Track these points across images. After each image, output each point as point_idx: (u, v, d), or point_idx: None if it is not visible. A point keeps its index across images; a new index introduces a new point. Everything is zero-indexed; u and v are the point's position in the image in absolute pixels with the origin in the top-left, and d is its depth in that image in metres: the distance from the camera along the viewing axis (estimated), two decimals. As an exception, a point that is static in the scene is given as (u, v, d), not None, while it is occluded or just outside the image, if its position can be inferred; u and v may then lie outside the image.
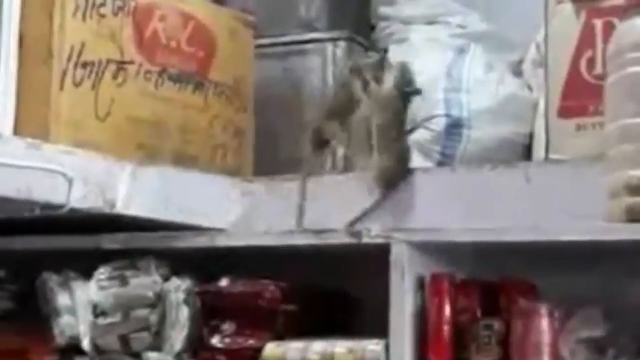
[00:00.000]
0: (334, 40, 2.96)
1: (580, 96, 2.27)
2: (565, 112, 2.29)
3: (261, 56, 2.86)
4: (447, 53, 2.97)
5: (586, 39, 2.29)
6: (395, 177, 2.30)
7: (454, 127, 2.86)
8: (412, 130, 2.69)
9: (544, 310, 2.04)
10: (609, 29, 2.24)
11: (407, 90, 2.33)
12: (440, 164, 2.82)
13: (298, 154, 2.93)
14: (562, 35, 2.32)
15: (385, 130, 2.29)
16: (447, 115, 2.86)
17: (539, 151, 2.76)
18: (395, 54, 3.02)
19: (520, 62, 3.00)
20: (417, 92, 2.36)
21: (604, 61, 2.17)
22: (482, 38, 3.02)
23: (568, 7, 2.30)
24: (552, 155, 2.30)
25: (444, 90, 2.90)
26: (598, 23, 2.27)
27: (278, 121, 2.95)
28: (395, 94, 2.30)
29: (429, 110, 2.89)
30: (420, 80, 2.85)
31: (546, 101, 2.32)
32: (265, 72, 2.89)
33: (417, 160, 2.75)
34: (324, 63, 2.96)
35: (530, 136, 2.87)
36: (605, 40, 2.22)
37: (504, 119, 2.88)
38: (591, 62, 2.28)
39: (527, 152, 2.88)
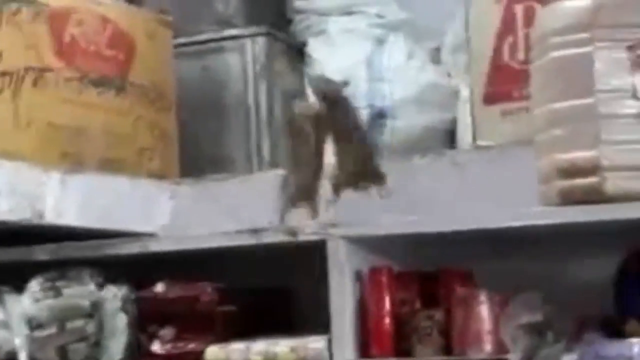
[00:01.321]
0: (252, 36, 2.94)
1: (504, 82, 2.30)
2: (490, 99, 2.31)
3: (179, 55, 2.83)
4: (366, 43, 2.97)
5: (507, 25, 2.31)
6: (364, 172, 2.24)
7: (378, 117, 2.87)
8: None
9: (483, 297, 2.06)
10: (529, 14, 2.26)
11: (332, 91, 2.29)
12: (365, 155, 2.81)
13: (220, 153, 2.92)
14: (483, 22, 2.34)
15: (339, 137, 2.23)
16: (370, 106, 2.86)
17: (463, 137, 2.78)
18: (314, 47, 3.02)
19: (438, 49, 3.01)
20: (345, 84, 2.33)
21: (527, 46, 2.19)
22: (401, 27, 3.03)
23: (488, -6, 2.32)
24: (479, 142, 2.31)
25: (365, 80, 2.90)
26: (519, 8, 2.29)
27: (199, 121, 2.92)
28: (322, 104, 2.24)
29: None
30: (340, 71, 2.87)
31: (470, 88, 2.34)
32: (184, 72, 2.86)
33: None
34: (244, 60, 2.94)
35: (453, 122, 2.89)
36: (527, 26, 2.25)
37: (426, 107, 2.89)
38: (513, 48, 2.31)
39: (450, 139, 2.89)
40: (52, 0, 2.42)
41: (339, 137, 2.17)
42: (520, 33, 2.25)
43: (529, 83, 2.06)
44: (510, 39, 2.27)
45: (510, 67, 2.27)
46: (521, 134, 2.19)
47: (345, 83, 2.30)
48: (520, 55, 2.25)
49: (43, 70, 2.38)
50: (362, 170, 2.19)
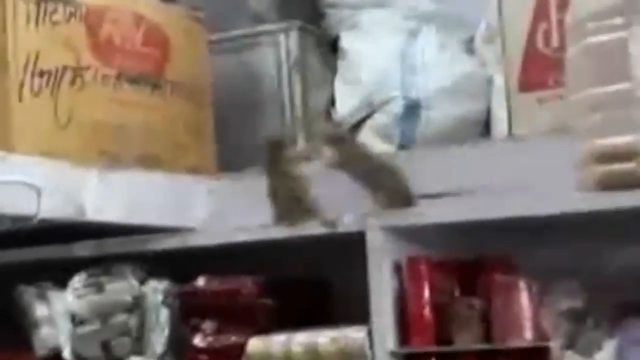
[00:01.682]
0: (285, 31, 2.95)
1: (539, 69, 2.30)
2: (525, 87, 2.31)
3: (214, 52, 2.84)
4: (399, 36, 2.97)
5: (541, 12, 2.31)
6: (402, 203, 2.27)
7: (412, 108, 2.87)
8: (369, 116, 2.69)
9: (522, 284, 2.06)
10: (563, 0, 2.25)
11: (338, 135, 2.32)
12: (400, 146, 2.83)
13: (257, 147, 2.93)
14: (517, 10, 2.34)
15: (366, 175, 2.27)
16: (405, 98, 2.87)
17: (497, 127, 2.78)
18: (347, 40, 3.02)
19: (471, 39, 3.00)
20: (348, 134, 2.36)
21: (560, 33, 2.19)
22: (433, 18, 3.02)
23: (521, -18, 2.31)
24: (515, 130, 2.31)
25: (399, 72, 2.90)
26: (552, -5, 2.29)
27: (236, 116, 2.93)
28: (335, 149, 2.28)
29: (386, 94, 2.89)
30: (374, 64, 2.88)
31: (505, 77, 2.34)
32: (220, 68, 2.87)
33: (376, 145, 2.75)
34: (278, 54, 2.95)
35: (488, 113, 2.88)
36: (560, 12, 2.24)
37: (460, 98, 2.89)
38: (547, 35, 2.31)
39: (485, 129, 2.89)
40: (88, -1, 2.42)
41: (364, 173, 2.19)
42: (554, 19, 2.25)
43: (564, 70, 2.05)
44: (544, 26, 2.27)
45: (545, 55, 2.27)
46: (557, 122, 2.19)
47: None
48: (555, 42, 2.25)
49: (80, 69, 2.40)
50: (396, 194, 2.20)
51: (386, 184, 2.25)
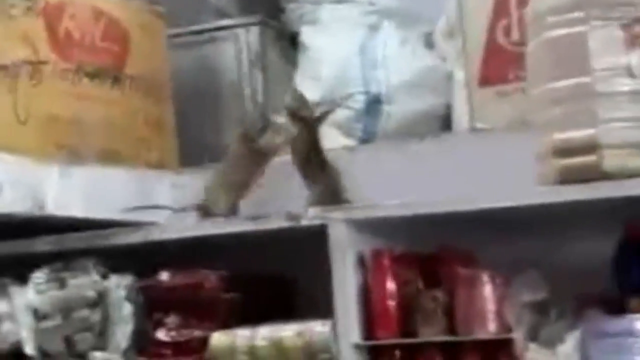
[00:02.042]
0: (246, 25, 2.94)
1: (499, 64, 2.31)
2: (485, 81, 2.33)
3: (175, 46, 2.83)
4: (359, 31, 2.98)
5: (501, 7, 2.33)
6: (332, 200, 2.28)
7: (374, 103, 2.88)
8: (330, 111, 2.69)
9: (486, 277, 2.07)
10: (523, -5, 2.27)
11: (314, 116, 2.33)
12: (362, 141, 2.84)
13: (218, 141, 2.93)
14: (477, 5, 2.35)
15: (305, 166, 2.29)
16: (366, 93, 2.87)
17: (458, 121, 2.80)
18: (307, 35, 3.03)
19: (431, 34, 3.02)
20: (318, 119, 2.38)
21: (521, 28, 2.20)
22: (393, 13, 3.04)
23: (481, -23, 2.33)
24: (476, 124, 2.33)
25: (360, 67, 2.91)
26: (512, -11, 2.31)
27: (196, 110, 2.93)
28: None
29: (347, 89, 2.90)
30: (335, 59, 2.89)
31: (466, 71, 2.35)
32: (181, 63, 2.86)
33: (339, 140, 2.76)
34: (238, 49, 2.94)
35: (448, 107, 2.90)
36: (520, 7, 2.26)
37: (421, 92, 2.90)
38: (507, 29, 2.32)
39: (445, 123, 2.91)
40: (47, -7, 2.41)
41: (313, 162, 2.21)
42: (515, 14, 2.26)
43: (525, 64, 2.07)
44: (504, 21, 2.29)
45: (505, 49, 2.28)
46: (518, 115, 2.20)
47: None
48: (515, 37, 2.26)
49: (39, 63, 2.38)
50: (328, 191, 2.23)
51: (322, 180, 2.26)
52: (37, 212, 2.19)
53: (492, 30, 2.29)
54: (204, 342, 2.20)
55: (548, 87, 1.99)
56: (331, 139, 2.68)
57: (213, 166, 2.55)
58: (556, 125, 1.97)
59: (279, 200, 2.29)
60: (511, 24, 2.28)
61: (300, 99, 2.33)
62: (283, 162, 2.30)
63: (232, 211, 2.27)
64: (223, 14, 2.96)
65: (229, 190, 2.28)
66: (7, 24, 2.33)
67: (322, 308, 2.15)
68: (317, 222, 2.13)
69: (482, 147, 2.24)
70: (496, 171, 2.20)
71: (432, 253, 2.20)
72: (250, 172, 2.28)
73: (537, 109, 2.02)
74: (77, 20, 2.49)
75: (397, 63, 2.91)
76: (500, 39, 2.29)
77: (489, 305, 2.05)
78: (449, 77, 2.88)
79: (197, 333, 2.22)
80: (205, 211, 2.28)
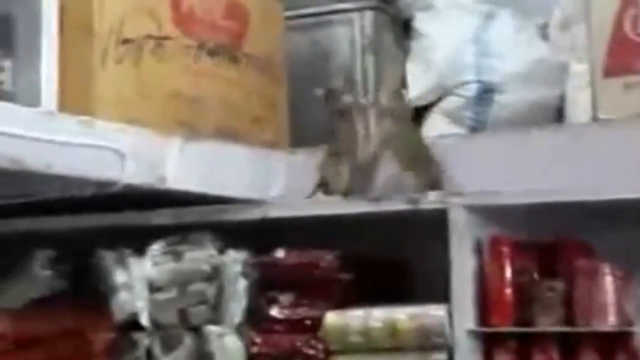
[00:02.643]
0: (361, 10, 2.94)
1: (626, 55, 2.28)
2: (611, 72, 2.30)
3: (288, 29, 2.84)
4: (474, 18, 2.96)
5: (629, -2, 2.29)
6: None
7: (485, 92, 2.86)
8: (441, 98, 2.68)
9: (607, 269, 2.05)
10: (653, -14, 2.24)
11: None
12: (472, 130, 2.82)
13: (328, 125, 2.93)
14: (604, -5, 2.32)
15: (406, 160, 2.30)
16: (479, 81, 2.86)
17: (572, 113, 2.77)
18: (421, 21, 3.01)
19: (546, 25, 2.99)
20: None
21: (650, 18, 2.17)
22: (508, 3, 3.01)
23: (610, -33, 2.30)
24: (600, 115, 2.30)
25: (473, 55, 2.89)
26: (642, -19, 2.27)
27: (308, 93, 2.93)
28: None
29: (459, 77, 2.88)
30: (448, 46, 2.87)
31: (591, 61, 2.32)
32: (294, 45, 2.87)
33: (448, 128, 2.75)
34: (352, 33, 2.94)
35: (561, 99, 2.87)
36: (650, -2, 2.22)
37: (534, 83, 2.88)
38: (635, 21, 2.29)
39: (558, 115, 2.88)
40: (172, -30, 2.43)
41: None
42: (643, 5, 2.23)
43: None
44: (632, 11, 2.25)
45: (632, 40, 2.25)
46: (644, 107, 2.18)
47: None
48: (643, 28, 2.23)
49: (162, 38, 2.41)
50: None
51: (421, 170, 2.25)
52: (158, 185, 2.21)
53: (619, 20, 2.26)
54: (317, 321, 2.21)
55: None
56: (440, 127, 2.68)
57: (323, 148, 2.55)
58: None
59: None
60: (639, 15, 2.24)
61: (396, 96, 2.32)
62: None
63: (349, 187, 2.26)
64: (338, -2, 2.95)
65: (341, 163, 2.27)
66: (134, -1, 2.35)
67: (437, 293, 2.15)
68: (437, 206, 2.12)
69: (605, 138, 2.21)
70: (619, 162, 2.17)
71: (550, 242, 2.18)
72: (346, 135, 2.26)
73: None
74: (201, -2, 2.50)
75: (511, 53, 2.89)
76: (628, 29, 2.25)
77: (609, 298, 2.04)
78: (564, 69, 2.86)
79: (311, 312, 2.23)
80: (325, 189, 2.28)
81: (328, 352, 2.21)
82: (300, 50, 2.93)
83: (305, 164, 2.51)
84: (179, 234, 2.30)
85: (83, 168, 2.09)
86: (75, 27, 2.29)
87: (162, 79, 2.40)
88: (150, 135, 2.23)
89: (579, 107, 2.67)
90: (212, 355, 2.26)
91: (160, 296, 2.27)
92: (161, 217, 2.35)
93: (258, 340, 2.27)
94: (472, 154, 2.30)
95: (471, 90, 2.84)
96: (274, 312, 2.25)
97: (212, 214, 2.33)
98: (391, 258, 2.38)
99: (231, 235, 2.35)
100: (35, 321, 2.49)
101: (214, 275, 2.26)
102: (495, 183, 2.24)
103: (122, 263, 2.33)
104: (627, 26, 2.27)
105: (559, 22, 2.90)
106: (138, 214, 2.35)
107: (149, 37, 2.39)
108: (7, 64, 2.16)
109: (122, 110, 2.32)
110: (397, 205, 2.17)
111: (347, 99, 2.21)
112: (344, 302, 2.24)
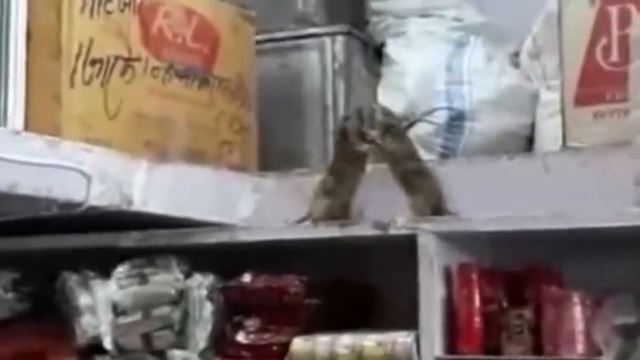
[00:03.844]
0: (332, 34, 2.94)
1: (597, 84, 2.28)
2: (582, 100, 2.30)
3: (259, 52, 2.83)
4: (446, 46, 2.97)
5: (601, 27, 2.29)
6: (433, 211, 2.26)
7: (456, 119, 2.86)
8: (412, 124, 2.67)
9: (576, 298, 2.04)
10: (625, 16, 2.24)
11: (398, 128, 2.33)
12: (442, 156, 2.82)
13: (297, 148, 2.92)
14: (577, 24, 2.33)
15: (405, 176, 2.28)
16: (449, 108, 2.86)
17: (541, 143, 2.77)
18: (392, 48, 3.02)
19: (516, 53, 3.00)
20: (410, 125, 2.37)
21: (621, 48, 2.18)
22: (479, 30, 3.02)
23: (582, -5, 2.31)
24: (569, 144, 2.30)
25: (444, 82, 2.89)
26: (613, 10, 2.28)
27: (277, 117, 2.92)
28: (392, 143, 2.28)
29: (430, 103, 2.88)
30: (419, 73, 2.87)
31: (562, 90, 2.33)
32: (264, 68, 2.86)
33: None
34: (323, 58, 2.94)
35: (531, 127, 2.87)
36: (621, 27, 2.23)
37: (505, 111, 2.88)
38: (607, 50, 2.29)
39: (528, 144, 2.88)
40: (142, -9, 2.42)
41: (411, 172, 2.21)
42: (615, 35, 2.23)
43: (627, 84, 2.04)
44: (603, 41, 2.26)
45: (604, 69, 2.25)
46: (613, 136, 2.18)
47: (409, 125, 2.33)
48: (614, 57, 2.23)
49: (131, 59, 2.39)
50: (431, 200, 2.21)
51: (424, 189, 2.24)
52: (124, 207, 2.18)
53: (591, 49, 2.26)
54: (284, 347, 2.19)
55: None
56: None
57: (293, 172, 2.53)
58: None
59: (370, 207, 2.26)
60: (611, 44, 2.24)
61: (389, 112, 2.32)
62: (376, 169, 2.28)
63: (330, 216, 2.25)
64: (309, 22, 2.95)
65: (328, 196, 2.26)
66: (103, 18, 2.34)
67: (406, 318, 2.12)
68: (405, 232, 2.11)
69: (574, 166, 2.21)
70: (588, 191, 2.16)
71: (519, 270, 2.17)
72: (348, 175, 2.26)
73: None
74: (170, 19, 2.50)
75: (483, 80, 2.89)
76: (599, 58, 2.25)
77: (578, 326, 2.03)
78: (534, 97, 2.86)
79: (278, 338, 2.21)
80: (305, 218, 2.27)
81: (294, 378, 2.18)
82: (271, 74, 2.91)
83: (274, 188, 2.48)
84: (145, 257, 2.26)
85: (48, 188, 2.05)
86: (44, 46, 2.28)
87: (130, 100, 2.39)
88: (117, 157, 2.21)
89: (548, 135, 2.67)
90: (176, 380, 2.24)
91: (124, 320, 2.24)
92: (127, 239, 2.32)
93: (224, 365, 2.24)
94: (442, 181, 2.27)
95: (442, 117, 2.83)
96: (240, 337, 2.23)
97: (179, 237, 2.30)
98: (359, 283, 2.36)
99: (198, 258, 2.32)
100: (-4, 343, 2.45)
101: (180, 299, 2.23)
102: (465, 210, 2.22)
103: (86, 285, 2.30)
104: (599, 55, 2.27)
105: (530, 51, 2.91)
106: (103, 235, 2.33)
107: (118, 57, 2.37)
108: (-27, 83, 2.14)
109: (90, 130, 2.30)
110: (365, 230, 2.15)
111: (362, 146, 2.18)
112: (311, 328, 2.21)
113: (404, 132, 2.30)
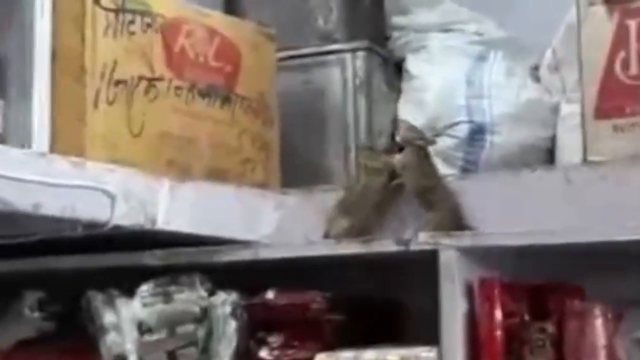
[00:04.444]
0: (353, 51, 2.96)
1: (617, 97, 2.29)
2: (601, 114, 2.30)
3: (281, 69, 2.85)
4: (466, 60, 2.99)
5: (620, 40, 2.30)
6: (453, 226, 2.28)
7: (477, 133, 2.87)
8: (434, 141, 2.69)
9: (598, 311, 2.04)
10: (643, 28, 2.25)
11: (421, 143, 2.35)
12: (463, 170, 2.83)
13: (319, 165, 2.94)
14: (595, 38, 2.33)
15: (424, 192, 2.30)
16: (470, 122, 2.87)
17: (562, 155, 2.78)
18: (413, 63, 3.04)
19: (536, 67, 3.01)
20: (431, 142, 2.40)
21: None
22: (500, 45, 3.04)
23: (601, 9, 2.31)
24: (589, 157, 2.31)
25: (465, 96, 2.91)
26: (632, 24, 2.29)
27: (300, 133, 2.95)
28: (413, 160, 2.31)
29: (451, 118, 2.90)
30: (440, 87, 2.89)
31: (582, 103, 2.33)
32: (286, 85, 2.88)
33: (439, 168, 2.74)
34: (344, 74, 2.96)
35: (552, 141, 2.88)
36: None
37: (526, 124, 2.89)
38: (625, 63, 2.30)
39: (549, 157, 2.89)
40: (165, 11, 2.44)
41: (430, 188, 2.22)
42: (633, 48, 2.24)
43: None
44: (622, 54, 2.26)
45: (623, 83, 2.26)
46: (633, 150, 2.18)
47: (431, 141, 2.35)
48: (633, 71, 2.24)
49: (154, 79, 2.42)
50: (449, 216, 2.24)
51: (443, 205, 2.26)
52: (148, 226, 2.21)
53: (610, 62, 2.27)
54: (307, 363, 2.20)
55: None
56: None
57: (316, 189, 2.55)
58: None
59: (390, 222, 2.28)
60: (630, 57, 2.25)
61: (413, 127, 2.34)
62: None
63: (351, 235, 2.27)
64: (330, 39, 2.97)
65: (348, 214, 2.28)
66: (126, 39, 2.37)
67: (427, 333, 2.14)
68: (427, 247, 2.12)
69: (595, 179, 2.21)
70: (609, 204, 2.17)
71: (541, 284, 2.18)
72: (369, 192, 2.28)
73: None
74: (193, 39, 2.52)
75: (503, 94, 2.91)
76: (618, 71, 2.26)
77: (600, 340, 2.03)
78: (554, 110, 2.87)
79: (301, 354, 2.22)
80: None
81: (318, 395, 2.20)
82: (295, 90, 2.94)
83: (297, 205, 2.50)
84: (169, 275, 2.29)
85: (73, 209, 2.08)
86: (68, 68, 2.31)
87: (154, 120, 2.41)
88: (141, 176, 2.23)
89: (569, 149, 2.68)
90: (201, 397, 2.25)
91: (150, 338, 2.26)
92: (151, 258, 2.34)
93: (247, 382, 2.26)
94: (463, 195, 2.29)
95: (463, 131, 2.85)
96: (264, 353, 2.24)
97: (202, 255, 2.32)
98: (382, 299, 2.37)
99: (221, 276, 2.34)
100: (23, 363, 2.48)
101: (204, 316, 2.25)
102: (486, 223, 2.23)
103: (111, 304, 2.32)
104: (618, 68, 2.28)
105: (549, 63, 2.92)
106: (128, 255, 2.35)
107: (142, 78, 2.40)
108: (-2, 104, 2.18)
109: (114, 150, 2.33)
110: (387, 246, 2.16)
111: (384, 163, 2.22)
112: (334, 344, 2.22)
113: (426, 148, 2.31)
